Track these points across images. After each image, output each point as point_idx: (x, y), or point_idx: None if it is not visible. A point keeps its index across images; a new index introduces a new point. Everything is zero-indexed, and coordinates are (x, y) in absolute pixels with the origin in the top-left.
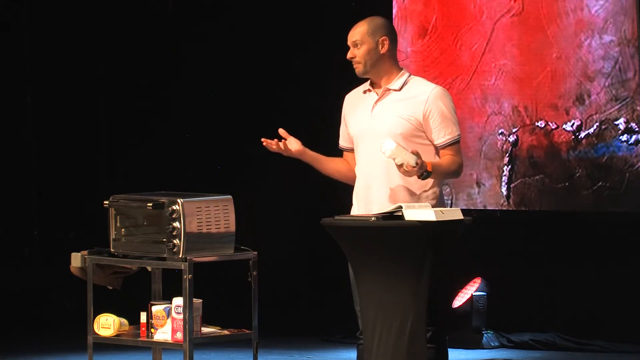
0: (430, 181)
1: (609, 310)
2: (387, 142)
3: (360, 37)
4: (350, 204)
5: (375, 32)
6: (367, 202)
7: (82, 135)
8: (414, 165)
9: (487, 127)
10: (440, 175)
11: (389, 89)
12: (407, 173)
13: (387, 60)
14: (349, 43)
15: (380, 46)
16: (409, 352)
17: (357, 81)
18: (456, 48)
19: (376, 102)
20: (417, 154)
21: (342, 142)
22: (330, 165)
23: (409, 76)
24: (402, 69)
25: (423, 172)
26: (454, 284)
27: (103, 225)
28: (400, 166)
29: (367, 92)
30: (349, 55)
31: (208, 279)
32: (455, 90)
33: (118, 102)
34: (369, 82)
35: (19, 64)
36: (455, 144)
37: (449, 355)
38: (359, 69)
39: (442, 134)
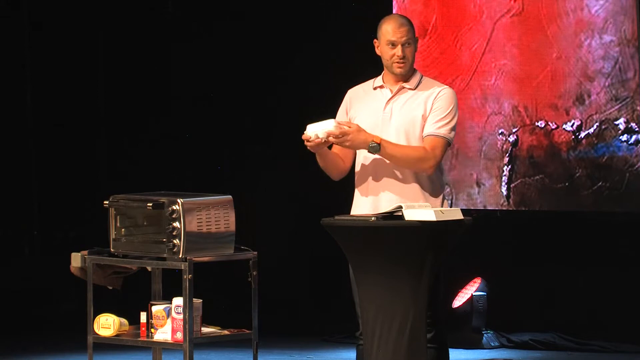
0: (439, 181)
1: (609, 310)
2: (307, 130)
3: (409, 37)
4: (351, 204)
5: (414, 32)
6: (374, 200)
7: (82, 135)
8: (334, 127)
9: (487, 127)
10: (392, 157)
11: (404, 87)
12: (342, 140)
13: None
14: (398, 41)
15: (416, 48)
16: (409, 352)
17: (358, 81)
18: (456, 48)
19: (390, 100)
20: (350, 124)
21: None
22: (331, 156)
23: (422, 77)
24: (415, 69)
25: (371, 144)
26: (454, 284)
27: (103, 225)
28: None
29: (379, 89)
30: (399, 54)
31: (208, 279)
32: (455, 90)
33: (118, 102)
34: (379, 78)
35: (19, 64)
36: (436, 137)
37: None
38: (404, 68)
39: (430, 127)
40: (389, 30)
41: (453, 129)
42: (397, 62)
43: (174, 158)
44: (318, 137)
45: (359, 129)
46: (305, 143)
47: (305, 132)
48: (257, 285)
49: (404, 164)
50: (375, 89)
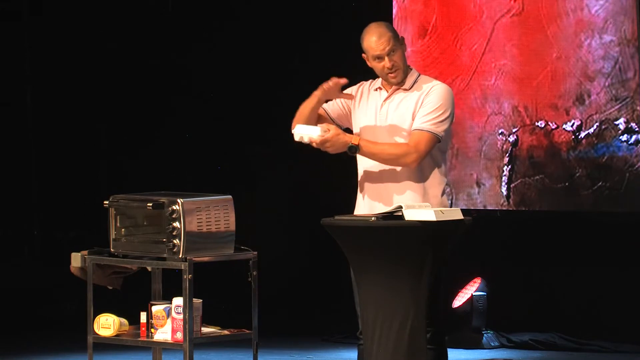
0: (438, 179)
1: (609, 310)
2: (295, 130)
3: (392, 44)
4: (350, 204)
5: (397, 35)
6: (371, 200)
7: (82, 135)
8: (317, 137)
9: (487, 127)
10: (372, 155)
11: (399, 88)
12: (324, 148)
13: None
14: (382, 53)
15: (404, 48)
16: (409, 352)
17: (358, 81)
18: (456, 48)
19: (385, 100)
20: (329, 127)
21: (327, 107)
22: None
23: (418, 75)
24: (411, 69)
25: (350, 145)
26: (454, 284)
27: (103, 225)
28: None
29: (378, 90)
30: (388, 65)
31: (208, 279)
32: (455, 90)
33: (118, 102)
34: (379, 79)
35: (19, 64)
36: (420, 132)
37: (449, 355)
38: (399, 76)
39: (416, 121)
40: (371, 46)
41: (443, 123)
42: (390, 73)
43: (174, 158)
44: (303, 140)
45: (338, 132)
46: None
47: (293, 130)
48: (257, 285)
49: (386, 162)
50: (375, 90)
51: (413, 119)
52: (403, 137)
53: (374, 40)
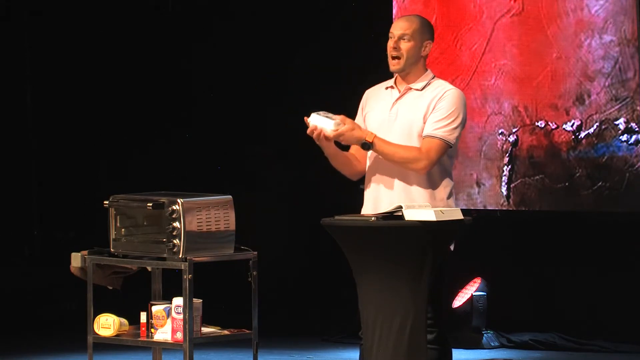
0: (445, 182)
1: (609, 310)
2: (311, 118)
3: (410, 32)
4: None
5: (424, 33)
6: (376, 198)
7: (82, 135)
8: (330, 131)
9: (487, 127)
10: (384, 155)
11: (411, 88)
12: (339, 138)
13: (422, 62)
14: (395, 33)
15: (423, 48)
16: (409, 352)
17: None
18: (456, 48)
19: (396, 100)
20: (345, 121)
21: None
22: (342, 158)
23: (433, 77)
24: (427, 70)
25: (363, 141)
26: (454, 284)
27: (103, 225)
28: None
29: (390, 89)
30: (392, 45)
31: (208, 279)
32: None
33: (118, 102)
34: (393, 79)
35: (19, 64)
36: (432, 138)
37: None
38: (397, 64)
39: (428, 127)
40: (393, 24)
41: (455, 130)
42: (392, 58)
43: (174, 158)
44: (316, 129)
45: (352, 127)
46: (308, 132)
47: (308, 118)
48: (257, 285)
49: (396, 163)
50: (387, 88)
51: (424, 122)
52: (411, 138)
53: (396, 21)
